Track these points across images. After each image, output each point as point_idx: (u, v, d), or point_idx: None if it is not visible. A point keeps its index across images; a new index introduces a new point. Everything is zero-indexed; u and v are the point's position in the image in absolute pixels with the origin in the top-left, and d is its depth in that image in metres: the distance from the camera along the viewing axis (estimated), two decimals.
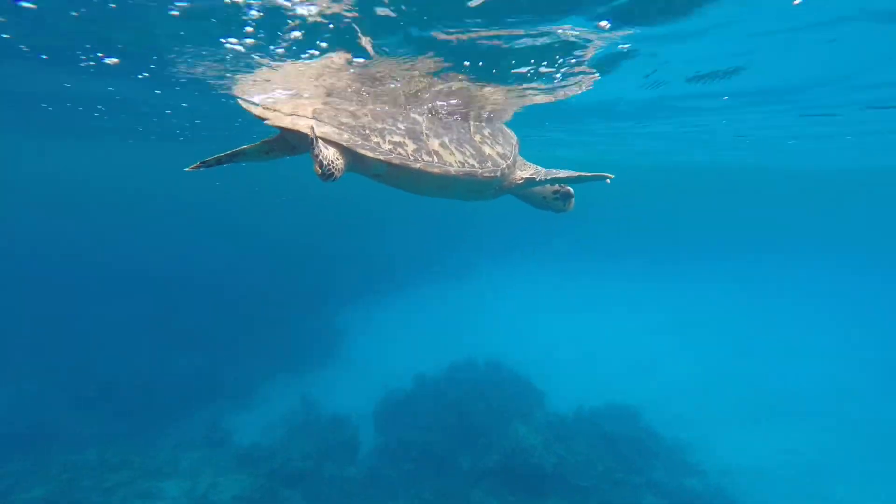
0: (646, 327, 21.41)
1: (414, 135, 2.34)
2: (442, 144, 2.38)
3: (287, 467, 9.69)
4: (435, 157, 2.33)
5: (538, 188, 3.13)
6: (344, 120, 2.28)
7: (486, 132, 2.71)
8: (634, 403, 12.39)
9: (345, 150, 2.25)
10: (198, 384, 13.00)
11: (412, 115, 2.52)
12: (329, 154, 2.16)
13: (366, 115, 2.36)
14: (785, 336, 21.48)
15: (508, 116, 6.17)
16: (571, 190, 3.25)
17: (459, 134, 2.54)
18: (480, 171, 2.49)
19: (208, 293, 18.95)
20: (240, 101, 2.60)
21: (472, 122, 2.76)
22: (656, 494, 9.57)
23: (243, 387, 13.10)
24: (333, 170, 2.15)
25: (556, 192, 3.24)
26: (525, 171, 2.95)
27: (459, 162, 2.41)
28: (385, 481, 9.34)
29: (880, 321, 24.30)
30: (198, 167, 2.58)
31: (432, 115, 2.80)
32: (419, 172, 2.32)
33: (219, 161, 2.59)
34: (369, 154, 2.23)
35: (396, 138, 2.29)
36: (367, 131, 2.27)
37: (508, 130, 3.08)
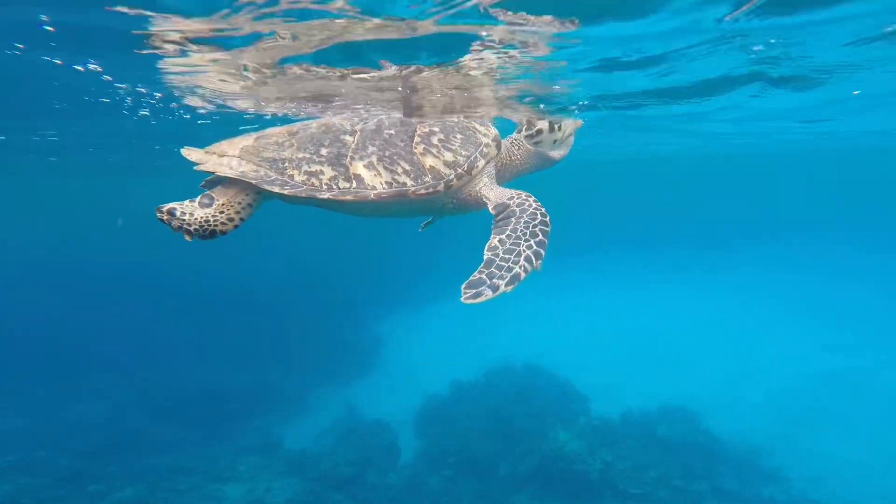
0: (697, 322, 19.69)
1: (336, 160, 2.21)
2: (368, 165, 2.20)
3: (334, 473, 9.95)
4: (354, 181, 2.16)
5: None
6: (267, 155, 2.24)
7: (435, 139, 2.37)
8: (691, 406, 11.43)
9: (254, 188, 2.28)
10: (254, 394, 13.80)
11: (345, 135, 2.33)
12: (205, 213, 2.20)
13: (293, 144, 2.29)
14: (863, 325, 18.95)
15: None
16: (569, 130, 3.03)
17: (397, 147, 2.28)
18: (413, 188, 2.20)
19: (262, 308, 20.12)
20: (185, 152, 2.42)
21: (419, 129, 2.43)
22: (726, 503, 8.74)
23: (294, 397, 13.72)
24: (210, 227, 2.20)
25: (556, 141, 3.00)
26: (490, 191, 2.44)
27: (386, 182, 2.18)
28: (425, 487, 9.29)
29: None
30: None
31: (383, 127, 2.42)
32: (333, 202, 2.23)
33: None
34: (276, 190, 2.16)
35: (314, 167, 2.17)
36: (286, 164, 2.20)
37: (481, 128, 2.60)
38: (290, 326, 17.82)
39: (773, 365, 15.78)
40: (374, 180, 2.16)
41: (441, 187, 2.25)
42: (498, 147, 2.57)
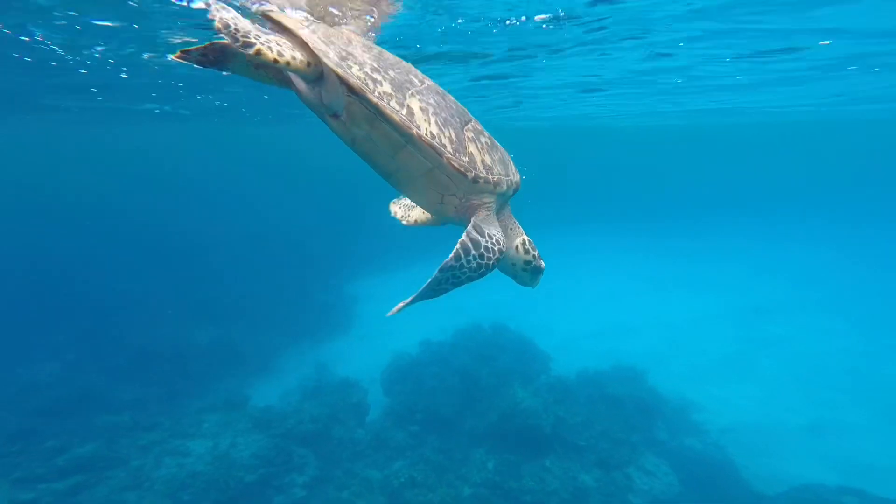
0: (653, 288, 21.33)
1: (398, 85, 2.01)
2: (424, 109, 2.02)
3: (299, 429, 10.22)
4: (405, 110, 1.96)
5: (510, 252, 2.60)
6: (335, 41, 2.01)
7: (483, 139, 2.30)
8: (641, 365, 12.44)
9: (310, 55, 1.97)
10: (218, 353, 13.76)
11: (414, 77, 2.16)
12: (274, 40, 1.89)
13: (361, 49, 2.09)
14: (790, 293, 20.97)
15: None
16: (543, 265, 2.74)
17: (453, 118, 2.16)
18: (450, 156, 2.05)
19: (226, 266, 19.67)
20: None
21: (473, 122, 2.34)
22: (656, 453, 9.74)
23: (260, 356, 13.80)
24: (270, 48, 1.83)
25: (527, 262, 2.66)
26: (486, 215, 2.33)
27: (432, 133, 2.00)
28: (390, 442, 9.79)
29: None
30: (181, 57, 2.16)
31: (447, 95, 2.29)
32: (375, 115, 1.97)
33: (204, 56, 2.14)
34: (331, 65, 1.88)
35: (376, 76, 1.97)
36: (349, 58, 1.97)
37: (511, 163, 2.54)
38: (257, 285, 17.65)
39: (712, 327, 17.36)
40: (423, 122, 2.01)
41: (471, 175, 2.15)
42: (514, 191, 2.51)
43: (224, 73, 2.22)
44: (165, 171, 47.02)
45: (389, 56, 2.21)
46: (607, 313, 18.20)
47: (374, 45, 2.21)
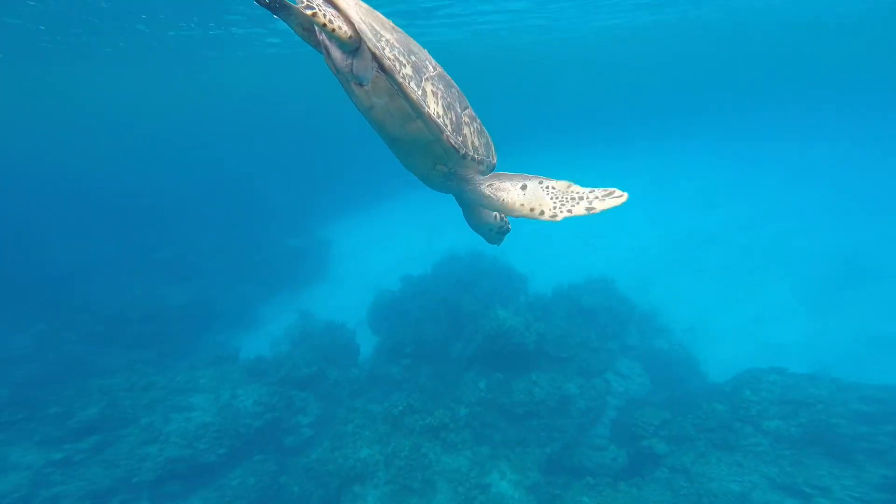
0: (617, 206, 22.02)
1: (416, 69, 2.33)
2: (434, 92, 2.37)
3: (294, 374, 10.55)
4: (420, 90, 2.28)
5: (492, 212, 2.85)
6: (373, 22, 2.25)
7: (476, 125, 2.64)
8: (611, 276, 13.15)
9: (353, 30, 2.16)
10: (197, 312, 13.63)
11: (427, 62, 2.48)
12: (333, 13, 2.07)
13: (390, 31, 2.33)
14: (742, 202, 22.26)
15: None
16: (510, 227, 3.01)
17: (454, 101, 2.50)
18: (449, 134, 2.39)
19: (189, 222, 18.83)
20: None
21: (469, 108, 2.67)
22: (630, 357, 10.67)
23: (241, 310, 13.79)
24: (332, 20, 2.06)
25: (500, 227, 2.96)
26: (484, 182, 2.60)
27: (437, 113, 2.34)
28: (385, 377, 10.31)
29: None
30: None
31: (452, 81, 2.63)
32: (398, 91, 2.24)
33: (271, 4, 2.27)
34: (371, 46, 2.13)
35: (402, 59, 2.25)
36: (382, 39, 2.22)
37: (492, 147, 2.84)
38: (224, 239, 17.09)
39: (673, 236, 18.43)
40: (432, 104, 2.33)
41: (462, 151, 2.48)
42: (490, 170, 2.76)
43: (275, 17, 2.37)
44: (102, 120, 42.62)
45: (411, 40, 2.49)
46: (576, 232, 18.85)
47: (398, 28, 2.47)
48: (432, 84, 2.36)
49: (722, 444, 8.23)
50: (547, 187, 2.44)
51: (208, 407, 10.07)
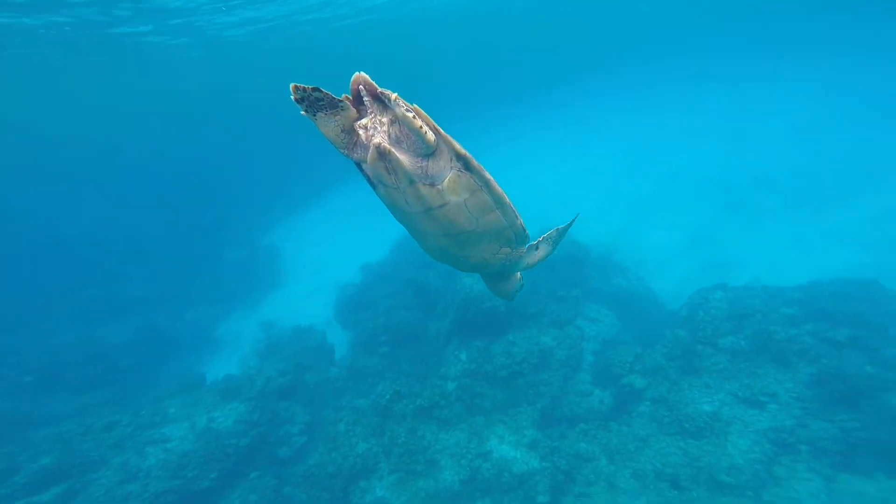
0: (555, 156, 22.78)
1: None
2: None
3: (270, 386, 10.23)
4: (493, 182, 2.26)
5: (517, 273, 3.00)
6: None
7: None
8: (560, 224, 13.50)
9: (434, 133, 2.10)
10: (149, 344, 12.71)
11: None
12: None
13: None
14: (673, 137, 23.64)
15: None
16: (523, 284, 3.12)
17: None
18: (520, 217, 2.46)
19: (120, 248, 17.22)
20: None
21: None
22: (595, 300, 11.14)
23: (198, 334, 12.99)
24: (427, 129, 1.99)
25: (522, 283, 3.06)
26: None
27: (510, 200, 2.36)
28: (366, 370, 10.18)
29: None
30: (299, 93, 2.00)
31: None
32: (482, 186, 2.24)
33: (314, 99, 2.04)
34: (457, 147, 2.09)
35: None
36: (451, 135, 2.17)
37: None
38: (164, 262, 15.81)
39: (603, 177, 19.30)
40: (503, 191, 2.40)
41: (527, 232, 2.68)
42: None
43: (302, 113, 2.05)
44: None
45: None
46: (523, 187, 19.21)
47: None
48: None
49: (689, 368, 8.85)
50: (547, 239, 2.86)
51: (185, 435, 9.67)
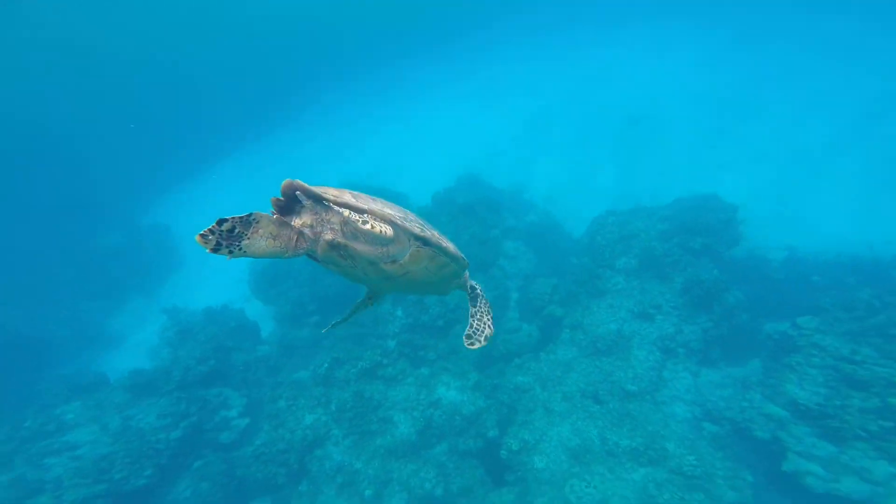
0: (467, 105, 22.62)
1: (423, 226, 2.43)
2: (440, 235, 2.53)
3: (192, 375, 9.48)
4: (444, 241, 2.47)
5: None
6: (391, 210, 2.29)
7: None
8: (475, 170, 13.78)
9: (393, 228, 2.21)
10: (17, 352, 10.77)
11: (413, 214, 2.54)
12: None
13: (395, 209, 2.36)
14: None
15: None
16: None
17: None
18: (464, 258, 2.71)
19: None
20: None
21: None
22: (513, 238, 11.77)
23: (87, 332, 11.26)
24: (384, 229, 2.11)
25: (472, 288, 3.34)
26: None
27: (455, 248, 2.56)
28: (299, 342, 9.86)
29: None
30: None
31: None
32: (440, 252, 2.42)
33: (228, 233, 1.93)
34: (418, 232, 2.25)
35: (421, 226, 2.36)
36: (408, 220, 2.32)
37: None
38: (26, 257, 12.87)
39: (507, 125, 19.75)
40: (449, 244, 2.61)
41: (466, 265, 2.94)
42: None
43: (229, 258, 1.92)
44: None
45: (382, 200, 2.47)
46: (434, 142, 18.87)
47: (376, 196, 2.40)
48: (433, 230, 2.51)
49: (595, 291, 9.80)
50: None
51: (96, 438, 8.87)
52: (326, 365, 8.93)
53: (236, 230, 1.81)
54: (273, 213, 1.96)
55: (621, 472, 6.95)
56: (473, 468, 7.44)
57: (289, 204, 2.01)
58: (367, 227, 2.03)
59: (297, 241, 2.02)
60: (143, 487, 7.91)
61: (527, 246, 11.47)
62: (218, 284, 11.66)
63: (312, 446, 8.12)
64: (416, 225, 2.31)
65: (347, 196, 2.09)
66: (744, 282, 8.98)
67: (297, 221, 1.99)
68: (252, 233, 1.87)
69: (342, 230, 2.05)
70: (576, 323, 9.27)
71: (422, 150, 18.75)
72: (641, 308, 9.23)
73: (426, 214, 11.71)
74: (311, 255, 2.19)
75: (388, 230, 2.11)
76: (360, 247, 2.12)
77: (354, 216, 2.01)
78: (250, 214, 1.85)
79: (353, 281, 2.50)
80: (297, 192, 1.96)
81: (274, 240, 1.95)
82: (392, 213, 2.22)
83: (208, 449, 8.56)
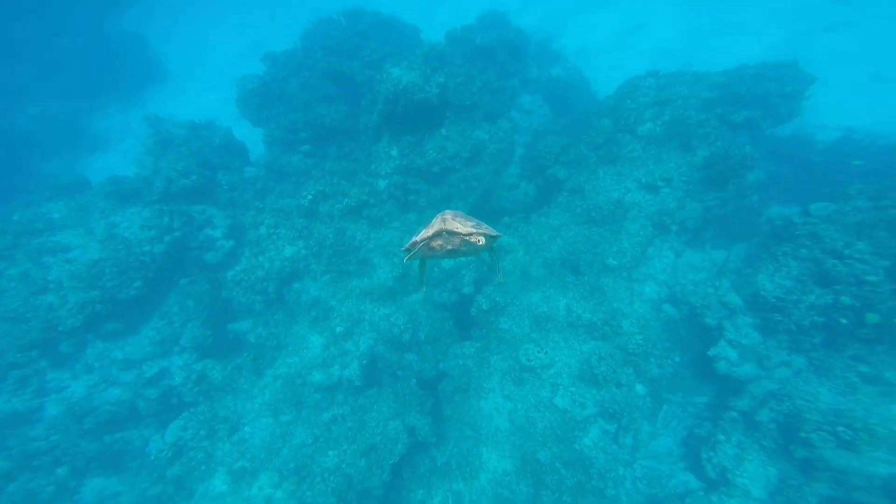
0: None
1: (474, 223, 3.29)
2: (476, 224, 3.30)
3: (175, 188, 9.14)
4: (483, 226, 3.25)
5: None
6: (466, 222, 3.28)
7: (482, 223, 3.39)
8: (502, 8, 11.69)
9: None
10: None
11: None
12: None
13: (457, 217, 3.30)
14: None
15: None
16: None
17: (474, 218, 3.43)
18: (492, 234, 3.27)
19: None
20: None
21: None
22: (531, 91, 10.47)
23: (66, 130, 10.60)
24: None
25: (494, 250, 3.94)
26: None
27: (485, 233, 3.21)
28: (289, 168, 9.33)
29: None
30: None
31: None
32: (492, 239, 3.27)
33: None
34: (497, 237, 3.28)
35: (484, 227, 3.25)
36: (482, 226, 3.26)
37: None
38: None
39: None
40: (478, 230, 3.34)
41: (496, 237, 3.44)
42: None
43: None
44: None
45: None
46: None
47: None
48: (472, 223, 3.26)
49: (608, 157, 8.91)
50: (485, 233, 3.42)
51: (85, 243, 8.88)
52: (310, 197, 8.53)
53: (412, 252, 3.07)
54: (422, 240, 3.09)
55: (574, 343, 7.05)
56: (444, 320, 7.52)
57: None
58: (474, 239, 3.10)
59: (429, 250, 3.15)
60: (135, 298, 8.11)
61: (544, 101, 10.25)
62: (202, 100, 10.70)
63: (292, 278, 8.14)
64: (489, 229, 3.22)
65: (461, 227, 3.13)
66: (776, 161, 8.02)
67: (434, 243, 3.11)
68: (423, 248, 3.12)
69: (455, 242, 3.13)
70: (577, 187, 8.62)
71: None
72: (650, 179, 8.46)
73: (438, 56, 10.25)
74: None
75: (482, 240, 3.12)
76: (464, 248, 3.20)
77: (471, 238, 3.10)
78: (415, 245, 3.11)
79: (435, 261, 3.69)
80: (444, 231, 3.08)
81: (429, 249, 3.15)
82: (483, 229, 3.19)
83: (195, 267, 8.62)
